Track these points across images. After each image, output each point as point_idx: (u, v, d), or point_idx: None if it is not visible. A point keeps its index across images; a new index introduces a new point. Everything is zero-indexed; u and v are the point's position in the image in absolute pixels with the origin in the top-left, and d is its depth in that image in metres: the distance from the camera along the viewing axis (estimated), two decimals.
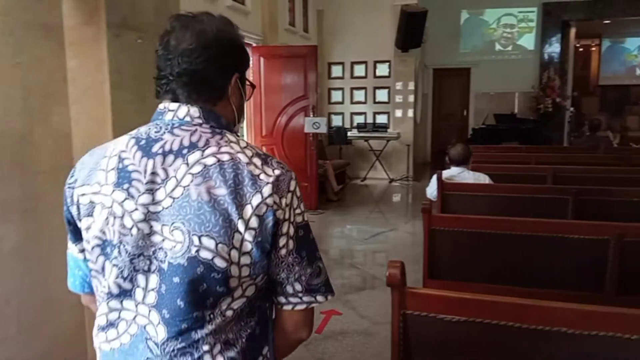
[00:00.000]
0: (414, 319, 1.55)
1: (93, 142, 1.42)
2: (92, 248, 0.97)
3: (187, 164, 0.93)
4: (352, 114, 9.62)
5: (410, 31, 8.16)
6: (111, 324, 0.98)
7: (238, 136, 1.02)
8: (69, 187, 1.01)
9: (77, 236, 1.03)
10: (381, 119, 9.40)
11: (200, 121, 0.98)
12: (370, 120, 9.47)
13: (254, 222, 0.92)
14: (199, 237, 0.90)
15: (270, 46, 6.96)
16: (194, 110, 0.98)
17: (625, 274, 2.52)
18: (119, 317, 0.97)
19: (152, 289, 0.93)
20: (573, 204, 3.53)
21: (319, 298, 1.03)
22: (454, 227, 2.82)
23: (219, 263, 0.91)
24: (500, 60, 10.56)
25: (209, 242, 0.90)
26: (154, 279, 0.93)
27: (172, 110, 0.99)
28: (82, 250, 1.03)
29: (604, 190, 3.62)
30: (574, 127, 11.15)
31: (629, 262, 2.51)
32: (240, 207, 0.91)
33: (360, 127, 9.29)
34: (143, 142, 0.96)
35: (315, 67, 6.74)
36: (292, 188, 0.97)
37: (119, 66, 2.20)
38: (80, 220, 0.99)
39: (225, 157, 0.94)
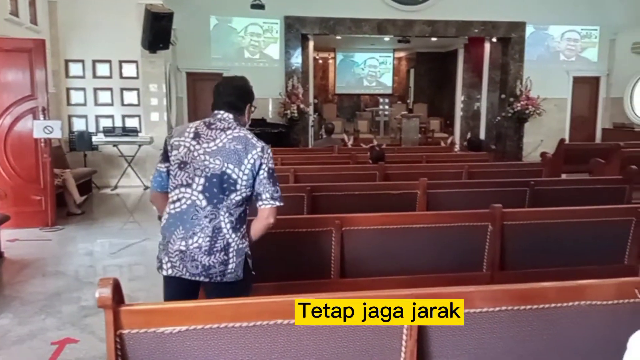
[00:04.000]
0: (132, 337, 1.43)
1: None
2: (175, 163, 2.19)
3: (226, 134, 2.19)
4: (98, 116, 8.78)
5: (157, 32, 7.85)
6: (178, 199, 2.17)
7: (246, 128, 2.28)
8: (168, 138, 2.25)
9: (167, 160, 2.22)
10: (131, 123, 8.83)
11: (232, 119, 2.25)
12: (119, 123, 8.81)
13: (251, 161, 2.15)
14: (227, 163, 2.14)
15: None
16: (230, 115, 2.25)
17: (346, 260, 2.85)
18: (182, 196, 2.16)
19: (201, 184, 2.14)
20: (308, 199, 3.87)
21: (276, 203, 2.20)
22: None
23: (234, 176, 2.15)
24: (251, 67, 11.01)
25: (231, 166, 2.14)
26: (202, 179, 2.14)
27: (221, 114, 2.26)
28: (167, 167, 2.22)
29: (332, 186, 4.07)
30: (317, 130, 12.38)
31: (347, 249, 2.85)
32: (246, 154, 2.16)
33: (108, 131, 8.56)
34: (207, 124, 2.24)
35: (44, 64, 5.94)
36: (268, 151, 2.21)
37: None
38: (171, 152, 2.21)
39: (242, 134, 2.21)
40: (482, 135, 12.23)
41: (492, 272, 2.98)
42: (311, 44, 11.99)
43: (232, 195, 2.14)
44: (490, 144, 11.21)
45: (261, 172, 2.16)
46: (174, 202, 2.17)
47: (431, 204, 4.00)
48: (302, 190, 3.93)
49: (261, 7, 9.31)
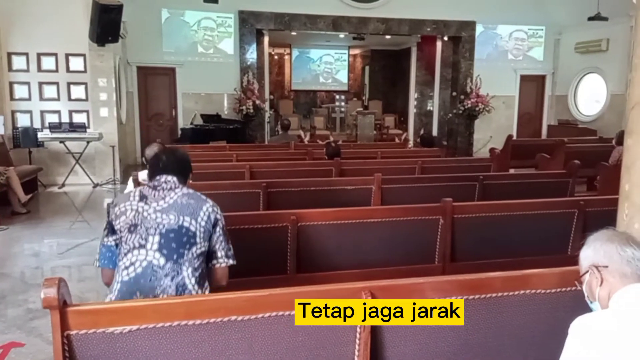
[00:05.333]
0: (80, 338, 1.39)
1: None
2: (124, 229, 2.00)
3: (175, 192, 2.09)
4: (43, 112, 8.40)
5: (105, 24, 7.58)
6: (132, 264, 1.95)
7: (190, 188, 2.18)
8: (112, 206, 2.09)
9: (113, 232, 2.05)
10: (79, 118, 8.50)
11: (177, 181, 2.13)
12: (66, 119, 8.46)
13: (206, 214, 2.06)
14: (183, 216, 2.01)
15: None
16: (175, 177, 2.13)
17: (302, 255, 2.86)
18: (136, 259, 1.95)
19: (156, 242, 1.96)
20: (264, 195, 3.85)
21: (230, 261, 2.10)
22: None
23: (192, 228, 2.01)
24: (205, 62, 10.83)
25: (188, 218, 2.02)
26: (157, 237, 1.97)
27: (165, 177, 2.13)
28: (115, 239, 2.04)
29: (288, 182, 4.07)
30: (273, 126, 12.31)
31: (303, 244, 2.85)
32: (199, 207, 2.06)
33: (54, 127, 8.20)
34: (152, 186, 2.12)
35: None
36: (218, 207, 2.13)
37: None
38: (117, 220, 2.03)
39: (192, 191, 2.14)
40: (434, 132, 12.52)
41: (444, 264, 3.06)
42: (266, 39, 11.92)
43: (194, 249, 1.99)
44: (442, 140, 11.49)
45: (218, 229, 2.07)
46: (126, 267, 1.94)
47: (386, 198, 4.06)
48: (258, 187, 3.90)
49: (214, 0, 9.15)
